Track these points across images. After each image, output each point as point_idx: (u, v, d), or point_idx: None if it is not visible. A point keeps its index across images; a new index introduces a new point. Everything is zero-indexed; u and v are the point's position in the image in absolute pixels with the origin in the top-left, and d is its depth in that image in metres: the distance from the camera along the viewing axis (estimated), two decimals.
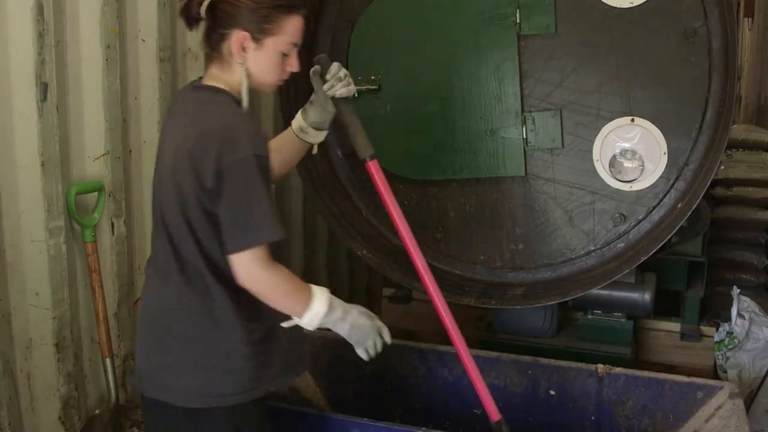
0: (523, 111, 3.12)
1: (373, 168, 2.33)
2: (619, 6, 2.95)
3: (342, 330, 2.02)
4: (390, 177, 3.37)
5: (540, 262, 3.25)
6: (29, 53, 2.43)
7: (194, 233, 1.86)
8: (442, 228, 3.38)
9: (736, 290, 3.81)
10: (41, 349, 2.59)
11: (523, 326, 3.53)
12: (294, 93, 3.40)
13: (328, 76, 2.19)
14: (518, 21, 3.06)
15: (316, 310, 1.94)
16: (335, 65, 2.20)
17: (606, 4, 2.97)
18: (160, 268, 1.96)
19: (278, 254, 1.94)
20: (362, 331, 2.05)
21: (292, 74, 2.01)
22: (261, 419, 2.06)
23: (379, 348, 2.11)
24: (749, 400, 3.43)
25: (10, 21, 2.39)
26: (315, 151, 2.32)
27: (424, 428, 2.28)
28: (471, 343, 3.37)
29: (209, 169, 1.77)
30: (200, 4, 1.86)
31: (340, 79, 2.19)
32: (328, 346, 3.10)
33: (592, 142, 3.07)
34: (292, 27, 1.91)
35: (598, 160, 3.07)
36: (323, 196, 3.45)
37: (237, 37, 1.86)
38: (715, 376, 3.56)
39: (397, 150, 3.31)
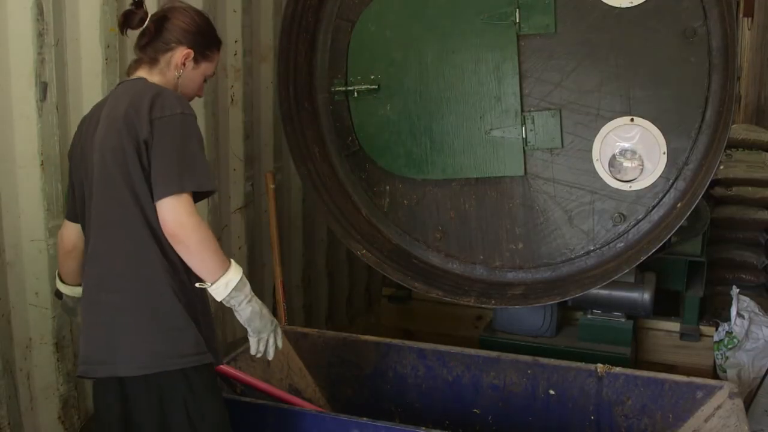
0: (522, 111, 3.12)
1: None
2: (618, 6, 2.95)
3: (244, 312, 2.04)
4: (390, 177, 3.40)
5: (539, 261, 3.26)
6: (29, 53, 2.43)
7: (137, 198, 1.94)
8: (441, 228, 3.38)
9: (735, 290, 3.81)
10: (41, 348, 2.59)
11: (522, 326, 3.54)
12: (293, 92, 3.41)
13: None
14: (518, 21, 3.06)
15: (229, 277, 1.96)
16: None
17: (606, 4, 2.97)
18: (98, 255, 2.02)
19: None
20: (263, 321, 2.08)
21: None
22: (215, 386, 2.11)
23: (271, 348, 2.14)
24: (749, 400, 3.43)
25: (9, 20, 2.39)
26: None
27: (424, 428, 2.28)
28: (470, 343, 3.39)
29: (143, 121, 1.92)
30: (145, 16, 2.10)
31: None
32: (328, 346, 3.10)
33: (592, 141, 3.07)
34: (217, 60, 2.25)
35: (597, 160, 3.07)
36: (323, 196, 3.45)
37: (183, 52, 2.12)
38: (715, 376, 3.57)
39: (397, 150, 3.31)
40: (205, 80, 2.23)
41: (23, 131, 2.46)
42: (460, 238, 3.36)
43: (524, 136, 3.14)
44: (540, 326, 3.52)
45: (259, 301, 2.08)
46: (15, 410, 2.53)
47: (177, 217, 1.88)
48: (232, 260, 2.00)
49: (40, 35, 2.44)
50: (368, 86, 3.29)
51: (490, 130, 3.17)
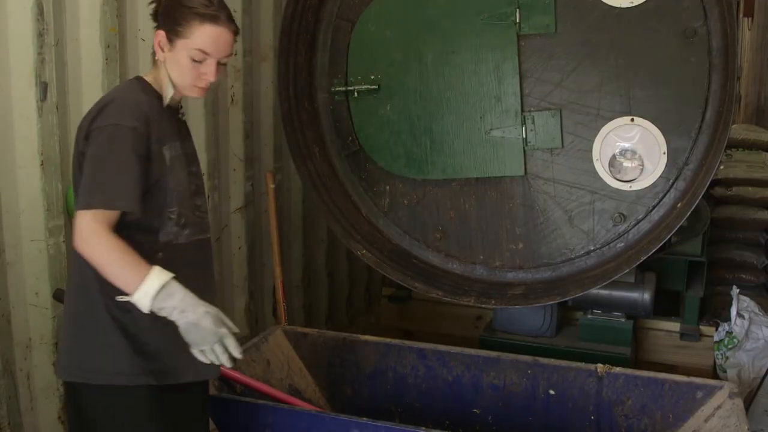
0: (522, 110, 3.12)
1: None
2: (619, 6, 2.95)
3: (179, 323, 1.86)
4: (390, 177, 3.40)
5: (540, 261, 3.25)
6: (29, 53, 2.42)
7: None
8: (441, 227, 3.38)
9: (735, 290, 3.81)
10: (41, 348, 2.59)
11: (522, 326, 3.54)
12: (293, 92, 3.41)
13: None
14: (518, 21, 3.06)
15: (148, 287, 1.81)
16: None
17: (606, 4, 2.97)
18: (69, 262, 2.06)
19: (171, 255, 1.95)
20: (201, 333, 1.86)
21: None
22: (150, 412, 1.96)
23: (222, 358, 1.91)
24: (748, 400, 3.43)
25: (9, 20, 2.39)
26: None
27: (424, 428, 2.28)
28: (470, 343, 3.39)
29: (84, 131, 1.89)
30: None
31: None
32: (328, 346, 3.10)
33: (592, 141, 3.07)
34: (202, 34, 1.94)
35: (597, 160, 3.07)
36: (323, 196, 3.45)
37: (157, 34, 1.99)
38: (715, 376, 3.57)
39: (397, 150, 3.31)
40: (197, 60, 1.96)
41: (23, 131, 2.46)
42: (460, 238, 3.36)
43: (524, 136, 3.14)
44: (540, 326, 3.52)
45: (201, 310, 1.86)
46: (15, 410, 2.52)
47: (80, 233, 1.81)
48: (157, 268, 1.84)
49: (41, 35, 2.44)
50: (368, 86, 3.29)
51: (491, 130, 3.17)
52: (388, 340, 3.10)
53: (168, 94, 2.02)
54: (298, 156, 3.42)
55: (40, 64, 2.45)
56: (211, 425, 2.40)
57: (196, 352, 1.90)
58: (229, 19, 1.99)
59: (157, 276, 1.83)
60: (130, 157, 1.85)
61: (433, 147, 3.25)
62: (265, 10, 3.79)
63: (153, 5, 2.02)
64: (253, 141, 3.75)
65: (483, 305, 3.22)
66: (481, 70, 3.14)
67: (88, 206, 1.81)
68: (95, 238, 1.81)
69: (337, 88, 3.36)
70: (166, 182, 1.95)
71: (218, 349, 1.90)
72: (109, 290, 1.89)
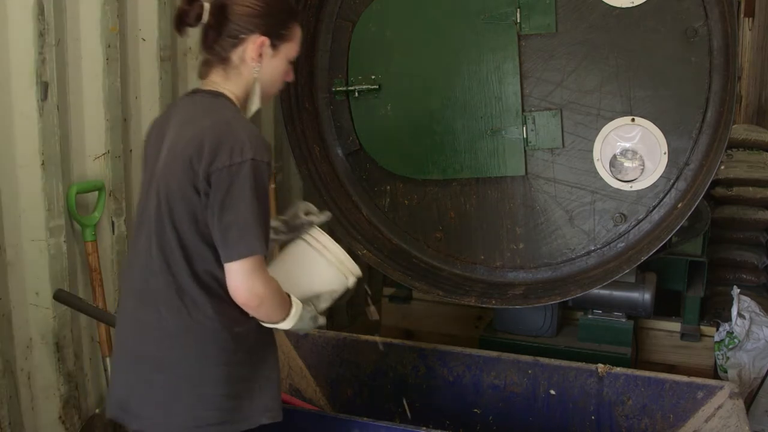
0: (523, 110, 3.12)
1: None
2: (619, 6, 2.95)
3: (298, 325, 1.91)
4: (390, 177, 3.40)
5: (540, 261, 3.25)
6: (30, 52, 2.43)
7: (183, 244, 1.75)
8: (442, 228, 3.38)
9: (736, 290, 3.81)
10: (41, 348, 2.59)
11: (523, 326, 3.53)
12: (294, 92, 3.41)
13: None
14: (518, 21, 3.06)
15: (296, 309, 1.87)
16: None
17: (606, 4, 2.97)
18: (138, 289, 1.83)
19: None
20: (304, 323, 1.93)
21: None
22: None
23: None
24: (749, 400, 3.43)
25: (10, 20, 2.39)
26: None
27: (424, 428, 2.28)
28: (471, 343, 3.39)
29: (203, 170, 1.68)
30: (200, 10, 1.80)
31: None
32: (328, 346, 3.10)
33: (593, 141, 3.07)
34: (299, 35, 1.90)
35: (598, 160, 3.07)
36: (324, 196, 3.45)
37: (257, 42, 1.80)
38: (715, 376, 3.56)
39: (398, 150, 3.31)
40: (290, 63, 1.90)
41: (24, 131, 2.46)
42: (460, 238, 3.36)
43: (525, 136, 3.13)
44: (540, 326, 3.52)
45: (298, 314, 1.88)
46: (15, 410, 2.53)
47: (250, 285, 1.73)
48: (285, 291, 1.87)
49: (41, 35, 2.44)
50: (368, 86, 3.29)
51: (491, 130, 3.17)
52: (388, 340, 3.10)
53: (252, 109, 1.88)
54: (299, 156, 3.42)
55: (41, 64, 2.45)
56: None
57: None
58: None
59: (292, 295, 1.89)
60: (267, 196, 1.74)
61: (434, 147, 3.25)
62: None
63: (209, 15, 1.80)
64: None
65: (483, 305, 3.22)
66: (481, 70, 3.14)
67: (252, 252, 1.69)
68: (270, 288, 1.77)
69: (337, 88, 3.37)
70: None
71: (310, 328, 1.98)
72: (221, 336, 1.78)
